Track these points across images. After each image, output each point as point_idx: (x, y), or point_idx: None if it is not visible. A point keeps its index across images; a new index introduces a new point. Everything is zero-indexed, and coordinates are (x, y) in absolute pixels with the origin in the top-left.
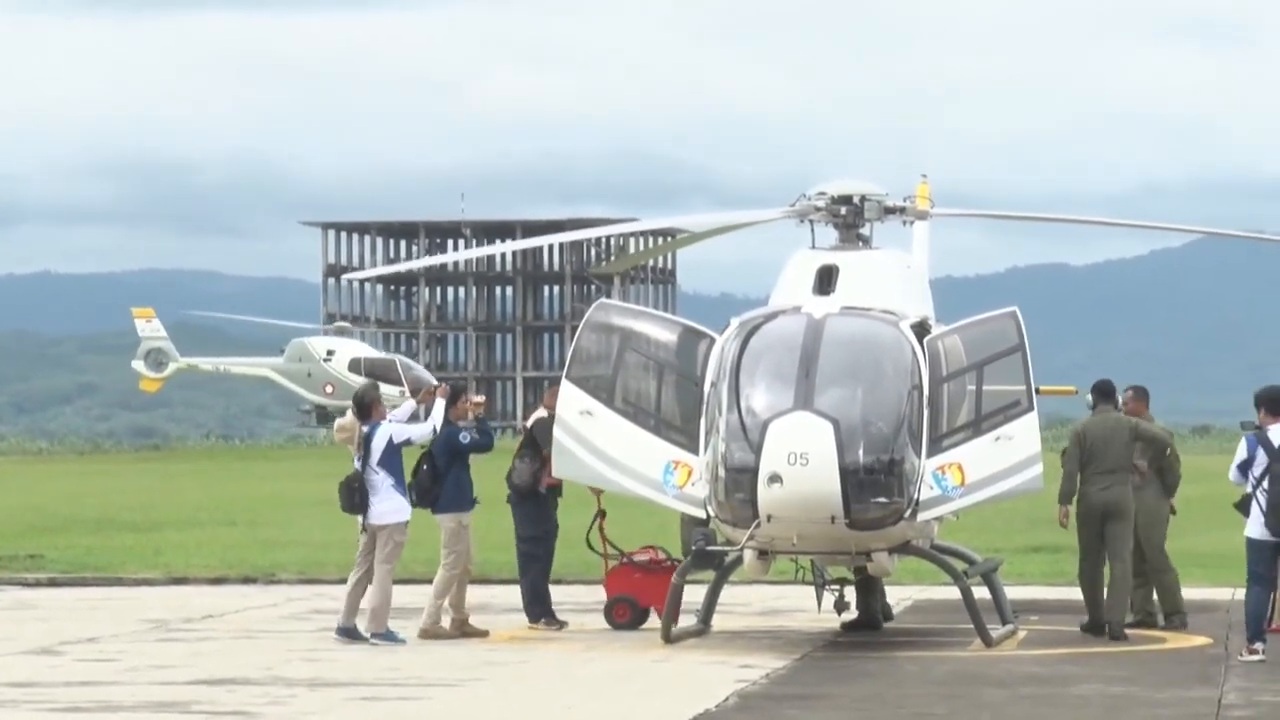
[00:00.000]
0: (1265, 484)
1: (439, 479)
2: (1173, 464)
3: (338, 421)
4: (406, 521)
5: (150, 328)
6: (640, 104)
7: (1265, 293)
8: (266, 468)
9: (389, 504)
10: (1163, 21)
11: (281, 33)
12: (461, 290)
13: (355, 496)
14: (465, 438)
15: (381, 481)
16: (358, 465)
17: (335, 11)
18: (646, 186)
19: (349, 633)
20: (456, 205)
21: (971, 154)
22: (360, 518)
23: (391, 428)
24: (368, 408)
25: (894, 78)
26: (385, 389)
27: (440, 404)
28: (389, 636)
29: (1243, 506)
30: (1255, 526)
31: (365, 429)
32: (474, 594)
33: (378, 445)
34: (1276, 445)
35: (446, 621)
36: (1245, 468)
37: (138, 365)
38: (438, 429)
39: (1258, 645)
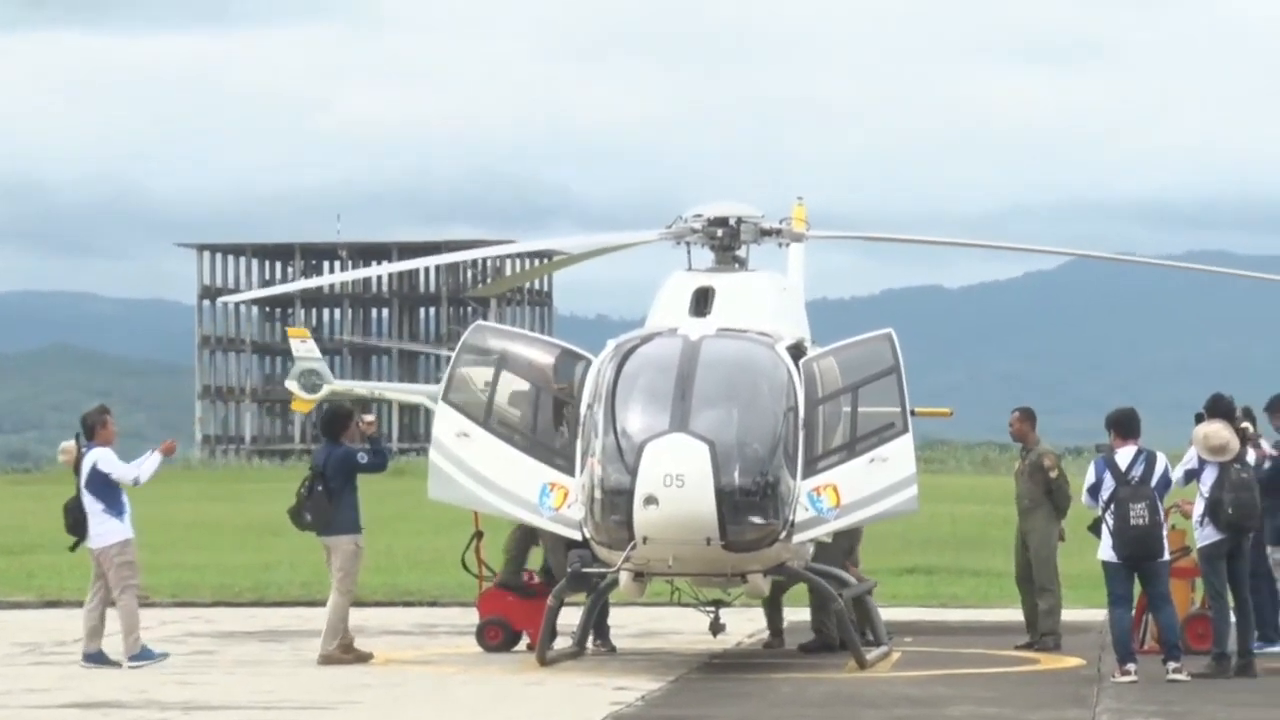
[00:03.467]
0: (1114, 507)
1: (335, 500)
2: (1061, 486)
3: (61, 444)
4: (122, 541)
5: (305, 349)
6: (508, 125)
7: (1135, 314)
8: (142, 490)
9: (101, 528)
10: (1034, 44)
11: (144, 53)
12: (337, 312)
13: (72, 519)
14: (363, 458)
15: (92, 506)
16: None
17: (196, 30)
18: (515, 208)
19: (96, 658)
20: (329, 226)
21: (844, 176)
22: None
23: (99, 454)
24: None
25: (764, 99)
26: None
27: (156, 457)
28: (146, 655)
29: (1095, 529)
30: (1106, 549)
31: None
32: (351, 616)
33: (84, 470)
34: (1124, 469)
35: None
36: (1094, 491)
37: (291, 385)
38: (140, 481)
39: (1129, 666)
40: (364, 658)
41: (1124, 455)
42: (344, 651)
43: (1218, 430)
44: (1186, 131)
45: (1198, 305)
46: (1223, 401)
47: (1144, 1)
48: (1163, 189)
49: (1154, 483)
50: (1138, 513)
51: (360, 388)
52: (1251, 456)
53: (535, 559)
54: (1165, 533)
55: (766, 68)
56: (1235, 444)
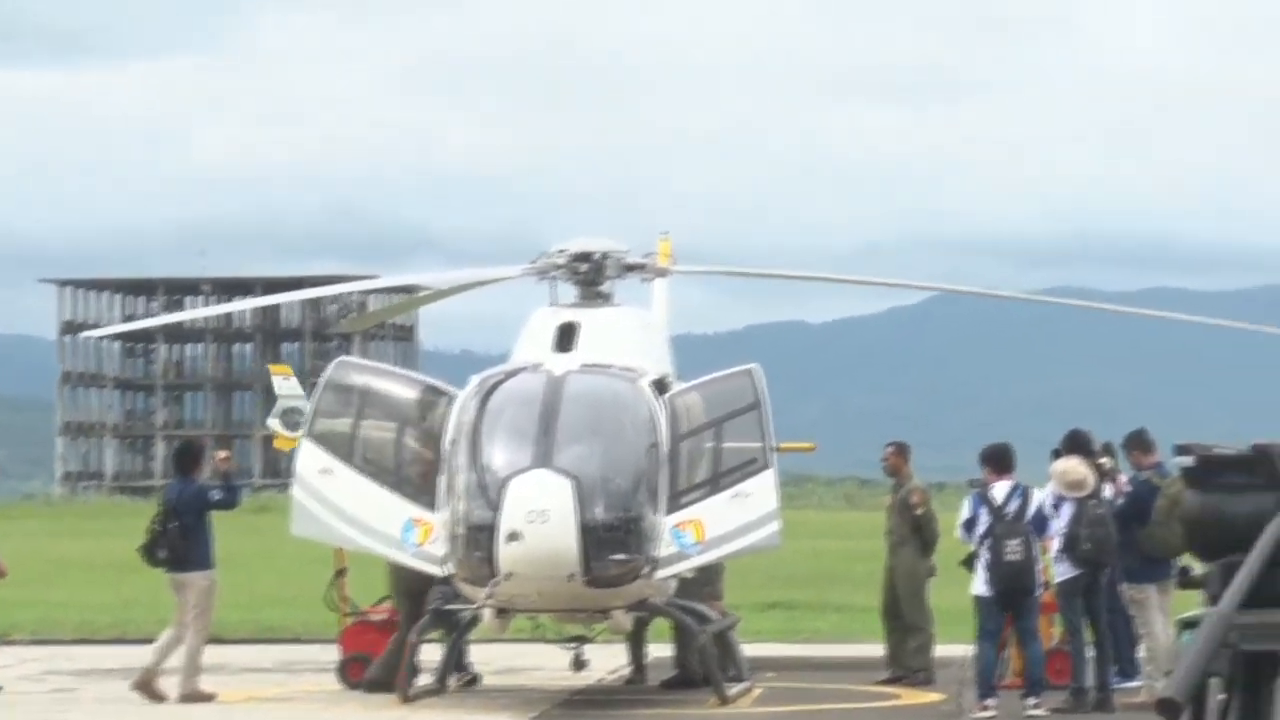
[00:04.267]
0: (989, 542)
1: (188, 537)
2: (929, 522)
3: None
4: None
5: (288, 386)
6: (370, 160)
7: (997, 350)
8: (1, 526)
9: None
10: (895, 81)
11: (2, 88)
12: (200, 347)
13: None
14: (215, 495)
15: None
16: None
17: (56, 65)
18: (377, 244)
19: None
20: (192, 261)
21: (708, 212)
22: None
23: None
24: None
25: (627, 135)
26: None
27: None
28: None
29: (969, 564)
30: (980, 584)
31: None
32: (211, 653)
33: None
34: (999, 503)
35: (162, 681)
36: (970, 526)
37: (274, 424)
38: None
39: (989, 701)
40: (162, 698)
41: (999, 490)
42: (143, 688)
43: (1074, 466)
44: (1046, 168)
45: (1059, 341)
46: (1080, 437)
47: (1005, 40)
48: (1022, 226)
49: (1028, 518)
50: (1013, 548)
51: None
52: (1109, 491)
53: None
54: (1040, 568)
55: (629, 104)
56: (1092, 480)
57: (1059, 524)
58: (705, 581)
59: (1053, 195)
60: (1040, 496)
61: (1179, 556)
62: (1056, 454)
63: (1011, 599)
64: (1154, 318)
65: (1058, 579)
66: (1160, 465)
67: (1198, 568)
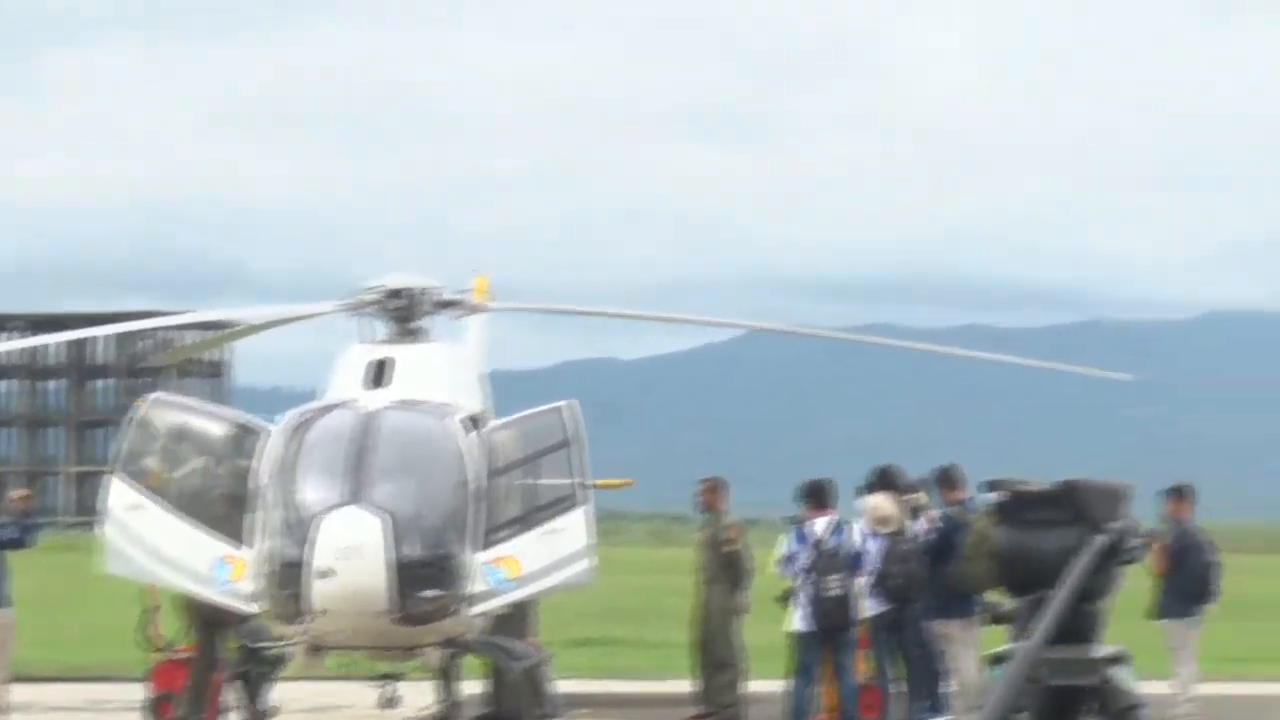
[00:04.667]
0: (809, 577)
1: None
2: (742, 558)
3: None
4: None
5: None
6: (181, 197)
7: (810, 387)
8: None
9: None
10: (707, 120)
11: None
12: (8, 384)
13: None
14: (6, 534)
15: None
16: None
17: None
18: (189, 280)
19: None
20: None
21: (523, 250)
22: None
23: None
24: None
25: (440, 173)
26: None
27: None
28: None
29: (786, 600)
30: (799, 620)
31: None
32: (19, 692)
33: None
34: (818, 539)
35: None
36: (790, 561)
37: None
38: None
39: None
40: None
41: (819, 525)
42: None
43: (882, 502)
44: (857, 207)
45: (870, 378)
46: (889, 473)
47: (813, 79)
48: (834, 264)
49: (848, 553)
50: (832, 584)
51: None
52: (919, 527)
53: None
54: (858, 603)
55: (443, 142)
56: (899, 516)
57: (872, 560)
58: (519, 618)
59: (863, 234)
60: (859, 532)
61: (987, 592)
62: (865, 490)
63: (830, 634)
64: (963, 356)
65: (867, 614)
66: (968, 501)
67: (1006, 603)
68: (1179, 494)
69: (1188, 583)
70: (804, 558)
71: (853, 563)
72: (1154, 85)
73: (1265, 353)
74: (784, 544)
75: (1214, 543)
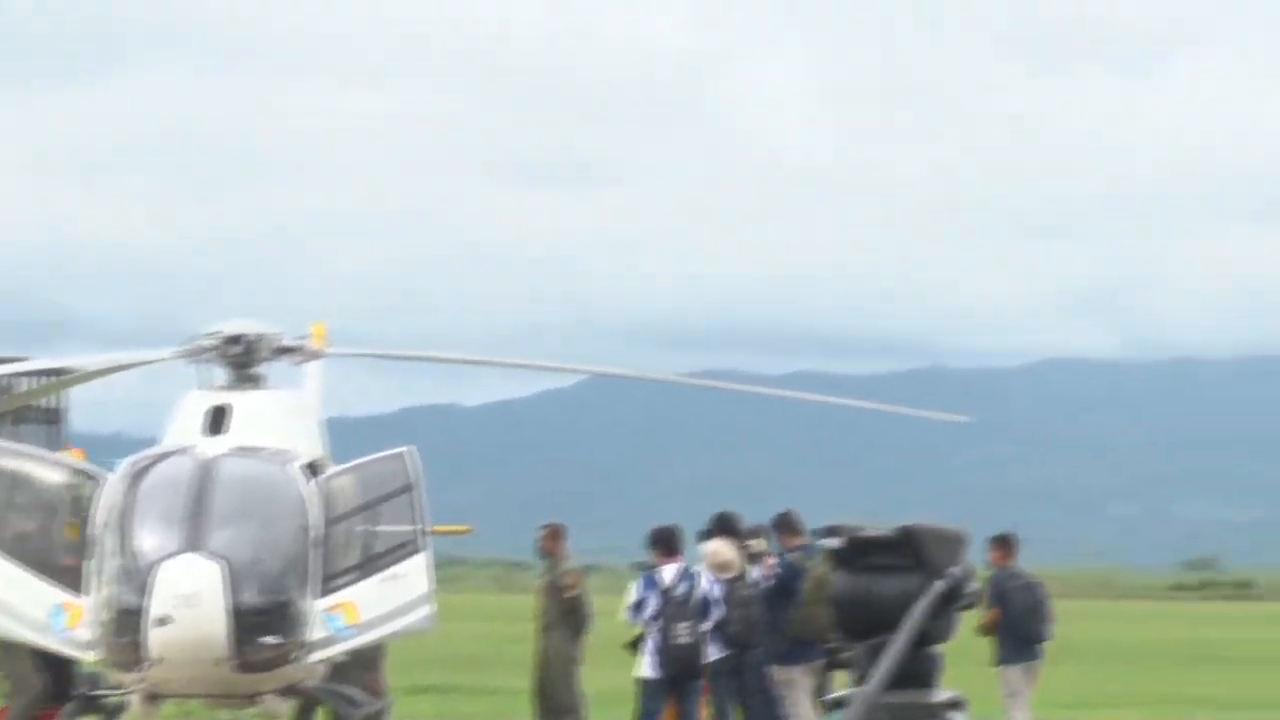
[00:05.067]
0: (658, 624)
1: None
2: (581, 605)
3: None
4: None
5: None
6: (11, 242)
7: (652, 432)
8: None
9: None
10: (541, 163)
11: None
12: None
13: None
14: None
15: None
16: None
17: None
18: (21, 326)
19: None
20: None
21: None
22: None
23: None
24: None
25: (276, 219)
26: None
27: None
28: None
29: (635, 646)
30: (647, 667)
31: None
32: None
33: None
34: (668, 586)
35: None
36: (639, 608)
37: None
38: None
39: None
40: None
41: (668, 572)
42: None
43: (722, 548)
44: (697, 255)
45: (710, 424)
46: (728, 519)
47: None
48: (675, 310)
49: (698, 601)
50: (681, 631)
51: None
52: (758, 573)
53: None
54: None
55: (280, 187)
56: (738, 561)
57: (720, 608)
58: (364, 665)
59: (703, 281)
60: (708, 579)
61: (826, 637)
62: (704, 535)
63: (678, 682)
64: (800, 400)
65: (707, 659)
66: (808, 547)
67: (846, 648)
68: (1004, 543)
69: (1019, 624)
70: (653, 605)
71: (702, 610)
72: (990, 132)
73: (1104, 399)
74: (633, 591)
75: (1041, 583)
